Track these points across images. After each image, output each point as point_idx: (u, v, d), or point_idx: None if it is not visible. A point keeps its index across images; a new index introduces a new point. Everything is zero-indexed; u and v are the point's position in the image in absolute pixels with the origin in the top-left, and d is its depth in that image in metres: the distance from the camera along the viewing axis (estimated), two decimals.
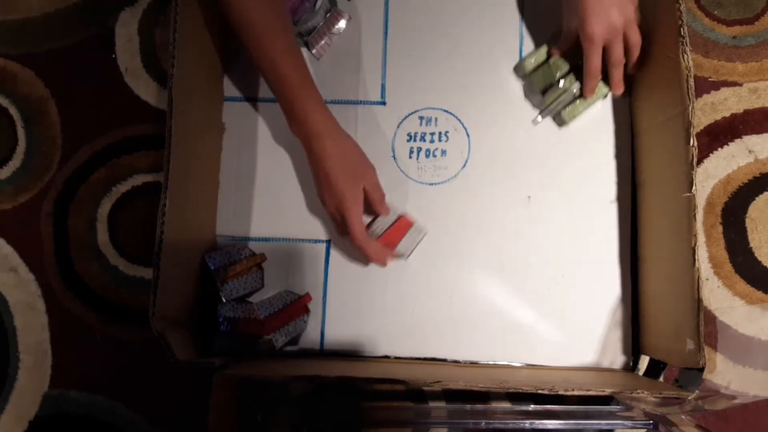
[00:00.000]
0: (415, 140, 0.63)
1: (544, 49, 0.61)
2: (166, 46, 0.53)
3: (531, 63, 0.61)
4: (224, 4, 0.52)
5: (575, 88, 0.60)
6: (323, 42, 0.63)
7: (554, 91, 0.60)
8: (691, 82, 0.49)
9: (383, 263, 0.58)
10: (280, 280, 0.61)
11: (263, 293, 0.60)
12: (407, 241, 0.59)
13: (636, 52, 0.57)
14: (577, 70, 0.59)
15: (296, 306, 0.58)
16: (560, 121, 0.62)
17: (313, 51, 0.63)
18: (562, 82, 0.60)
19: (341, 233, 0.59)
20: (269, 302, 0.58)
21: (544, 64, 0.61)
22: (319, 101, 0.55)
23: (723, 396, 0.56)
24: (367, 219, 0.59)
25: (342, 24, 0.63)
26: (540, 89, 0.61)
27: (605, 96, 0.61)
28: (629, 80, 0.62)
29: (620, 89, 0.59)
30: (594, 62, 0.56)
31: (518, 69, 0.63)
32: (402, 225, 0.59)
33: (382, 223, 0.59)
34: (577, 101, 0.60)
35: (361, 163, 0.57)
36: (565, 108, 0.60)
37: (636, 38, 0.56)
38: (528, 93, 0.63)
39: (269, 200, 0.62)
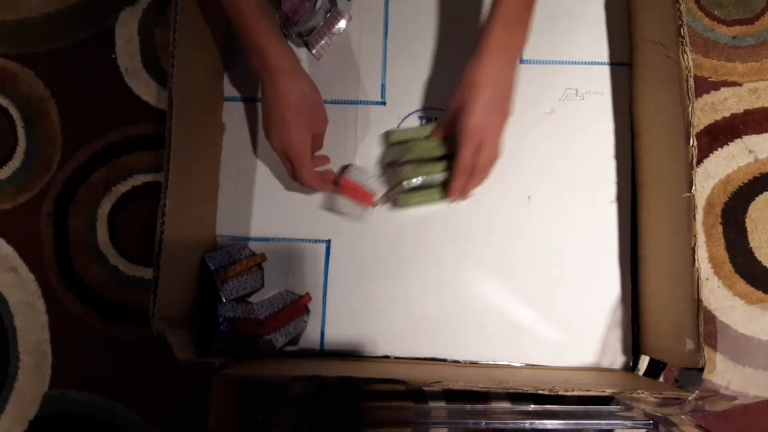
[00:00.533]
0: None
1: (423, 129, 0.60)
2: (166, 46, 0.53)
3: (399, 135, 0.61)
4: None
5: (421, 178, 0.58)
6: (323, 42, 0.63)
7: (397, 172, 0.59)
8: (691, 82, 0.49)
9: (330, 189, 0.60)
10: (280, 280, 0.61)
11: (263, 293, 0.60)
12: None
13: (488, 169, 0.56)
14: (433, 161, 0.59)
15: (296, 306, 0.58)
16: (394, 203, 0.61)
17: (313, 51, 0.63)
18: (408, 166, 0.58)
19: (291, 176, 0.58)
20: (269, 302, 0.58)
21: (410, 142, 0.60)
22: (278, 35, 0.52)
23: (723, 396, 0.56)
24: None
25: (342, 24, 0.63)
26: (387, 162, 0.61)
27: (441, 199, 0.60)
28: (629, 81, 0.62)
29: (461, 198, 0.59)
30: (467, 158, 0.54)
31: (387, 135, 0.62)
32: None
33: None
34: (418, 192, 0.59)
35: (317, 110, 0.56)
36: (405, 193, 0.59)
37: (495, 154, 0.55)
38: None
39: (269, 200, 0.62)
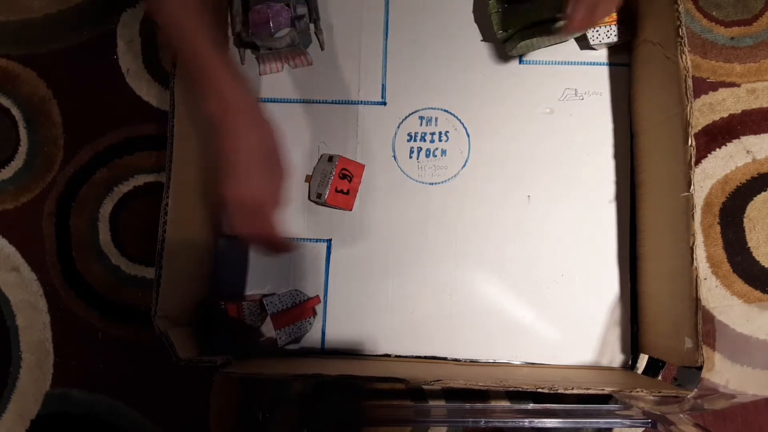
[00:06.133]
0: (415, 140, 0.63)
1: None
2: (168, 47, 0.53)
3: None
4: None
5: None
6: (273, 65, 0.62)
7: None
8: (689, 82, 0.50)
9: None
10: (282, 279, 0.61)
11: (274, 290, 0.61)
12: None
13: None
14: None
15: (304, 307, 0.59)
16: (511, 50, 0.60)
17: (259, 68, 0.62)
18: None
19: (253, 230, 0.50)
20: (279, 299, 0.58)
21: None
22: (237, 72, 0.47)
23: (722, 395, 0.56)
24: None
25: (300, 63, 0.62)
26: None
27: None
28: (628, 80, 0.62)
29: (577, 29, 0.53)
30: None
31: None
32: None
33: None
34: (536, 38, 0.58)
35: (275, 160, 0.49)
36: (524, 40, 0.58)
37: None
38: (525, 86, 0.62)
39: None
